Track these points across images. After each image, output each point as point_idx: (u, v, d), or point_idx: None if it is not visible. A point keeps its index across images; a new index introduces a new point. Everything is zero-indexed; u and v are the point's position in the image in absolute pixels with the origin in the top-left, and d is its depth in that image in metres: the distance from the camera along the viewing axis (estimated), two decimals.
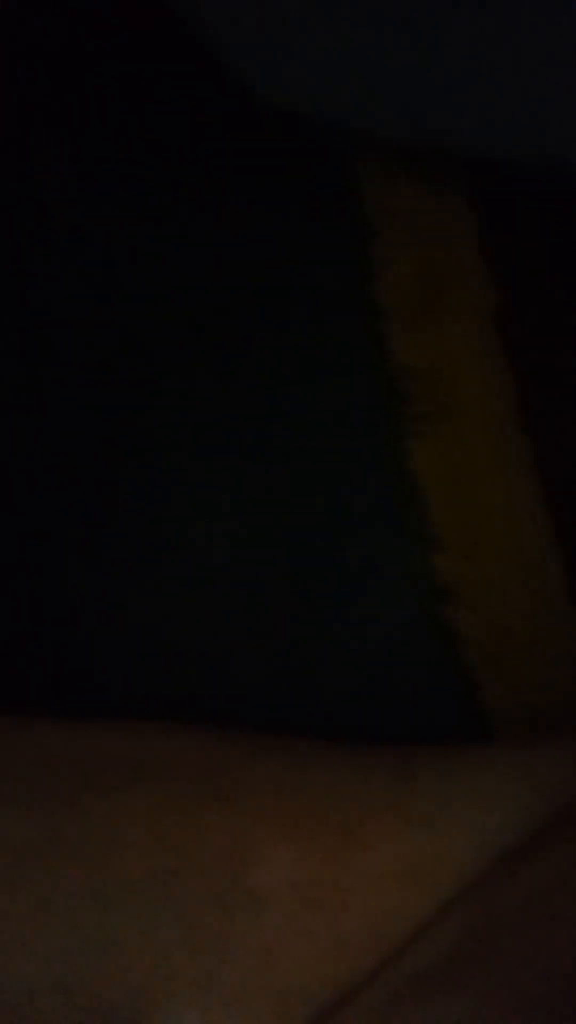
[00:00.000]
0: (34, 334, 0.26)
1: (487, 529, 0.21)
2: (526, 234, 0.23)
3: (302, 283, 0.24)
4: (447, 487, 0.22)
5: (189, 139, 0.26)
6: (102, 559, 0.23)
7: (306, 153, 0.23)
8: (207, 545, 0.22)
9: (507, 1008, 0.13)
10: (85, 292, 0.25)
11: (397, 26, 0.16)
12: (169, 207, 0.25)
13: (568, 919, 0.14)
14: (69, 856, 0.15)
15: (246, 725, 0.19)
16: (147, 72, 0.26)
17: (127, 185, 0.25)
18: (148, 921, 0.15)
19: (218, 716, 0.19)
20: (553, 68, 0.17)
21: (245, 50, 0.20)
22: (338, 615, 0.21)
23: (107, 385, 0.25)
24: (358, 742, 0.18)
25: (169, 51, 0.25)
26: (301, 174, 0.24)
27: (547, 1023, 0.13)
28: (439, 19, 0.16)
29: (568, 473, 0.22)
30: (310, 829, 0.15)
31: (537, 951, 0.14)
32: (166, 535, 0.23)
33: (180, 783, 0.16)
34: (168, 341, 0.25)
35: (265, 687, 0.20)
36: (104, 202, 0.26)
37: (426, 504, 0.21)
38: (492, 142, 0.20)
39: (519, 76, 0.17)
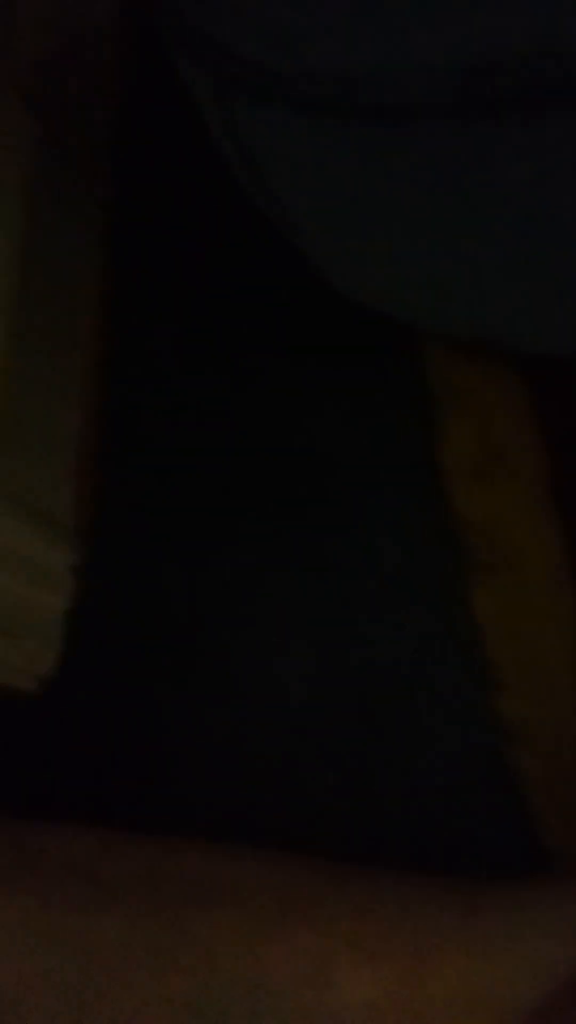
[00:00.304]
0: (138, 483, 0.29)
1: (545, 672, 0.23)
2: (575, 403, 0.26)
3: (374, 445, 0.26)
4: (507, 632, 0.24)
5: (278, 322, 0.29)
6: (188, 688, 0.25)
7: (378, 334, 0.27)
8: (284, 680, 0.25)
9: None
10: (180, 444, 0.28)
11: (466, 256, 0.19)
12: (259, 379, 0.28)
13: None
14: (170, 966, 0.17)
15: (320, 846, 0.20)
16: (241, 270, 0.30)
17: (225, 362, 0.29)
18: None
19: (295, 837, 0.21)
20: None
21: (337, 269, 0.23)
22: (406, 749, 0.23)
23: (197, 529, 0.28)
24: (425, 866, 0.19)
25: (261, 252, 0.29)
26: (374, 351, 0.27)
27: None
28: (500, 248, 0.19)
29: None
30: (386, 954, 0.17)
31: None
32: (247, 669, 0.25)
33: (269, 904, 0.17)
34: (252, 491, 0.28)
35: (338, 812, 0.22)
36: (204, 375, 0.29)
37: (488, 648, 0.23)
38: (548, 347, 0.23)
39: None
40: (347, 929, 0.17)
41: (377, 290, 0.23)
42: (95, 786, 0.24)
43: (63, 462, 0.32)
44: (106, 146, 0.38)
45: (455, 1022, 0.16)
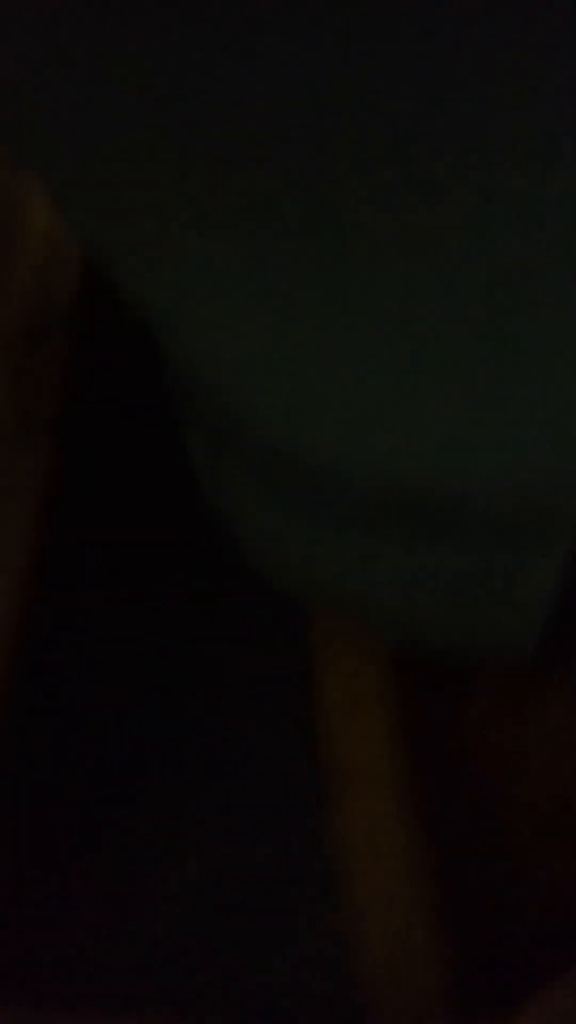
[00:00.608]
0: (47, 695, 0.34)
1: (389, 883, 0.29)
2: (420, 666, 0.34)
3: (262, 685, 0.33)
4: (358, 844, 0.30)
5: (189, 575, 0.36)
6: (85, 887, 0.29)
7: (275, 595, 0.34)
8: (178, 891, 0.29)
9: None
10: (102, 672, 0.34)
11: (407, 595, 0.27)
12: (168, 622, 0.35)
13: None
14: None
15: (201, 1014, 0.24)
16: (166, 529, 0.37)
17: (140, 603, 0.35)
18: None
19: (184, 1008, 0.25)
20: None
21: (261, 563, 0.31)
22: (265, 947, 0.28)
23: (97, 743, 0.33)
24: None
25: (186, 517, 0.36)
26: (269, 607, 0.35)
27: None
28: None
29: (440, 844, 0.30)
30: None
31: None
32: (149, 881, 0.30)
33: None
34: (150, 717, 0.33)
35: (210, 991, 0.27)
36: (120, 610, 0.35)
37: (342, 862, 0.29)
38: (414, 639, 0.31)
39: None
40: None
41: (294, 584, 0.31)
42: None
43: None
44: (57, 410, 0.45)
45: None
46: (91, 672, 0.34)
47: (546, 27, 0.12)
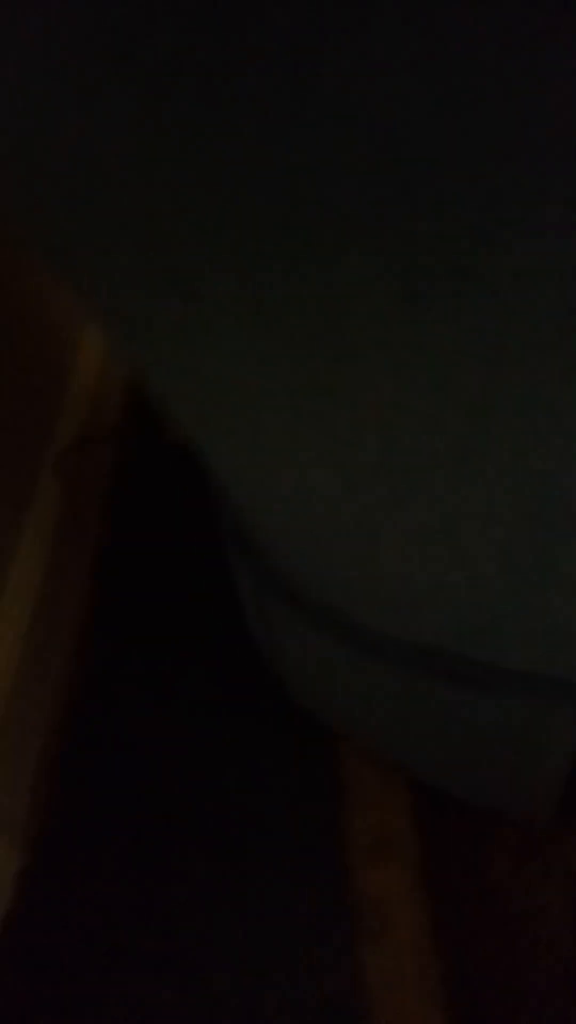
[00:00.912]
0: (89, 802, 0.35)
1: (411, 1015, 0.30)
2: (447, 806, 0.35)
3: (295, 820, 0.35)
4: (385, 984, 0.31)
5: (232, 701, 0.38)
6: (114, 999, 0.31)
7: (312, 729, 0.36)
8: (217, 997, 0.31)
9: None
10: (135, 771, 0.36)
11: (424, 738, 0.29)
12: (206, 739, 0.37)
13: None
14: None
15: None
16: (208, 646, 0.39)
17: (182, 717, 0.37)
18: None
19: None
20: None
21: (302, 696, 0.33)
22: None
23: (138, 850, 0.34)
24: None
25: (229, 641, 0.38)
26: (306, 743, 0.37)
27: None
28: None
29: (467, 981, 0.31)
30: None
31: None
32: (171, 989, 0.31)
33: None
34: (188, 829, 0.35)
35: None
36: (163, 713, 0.37)
37: (371, 998, 0.30)
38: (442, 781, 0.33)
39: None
40: None
41: (330, 715, 0.33)
42: None
43: (25, 772, 0.38)
44: (104, 514, 0.48)
45: None
46: (133, 763, 0.36)
47: None
